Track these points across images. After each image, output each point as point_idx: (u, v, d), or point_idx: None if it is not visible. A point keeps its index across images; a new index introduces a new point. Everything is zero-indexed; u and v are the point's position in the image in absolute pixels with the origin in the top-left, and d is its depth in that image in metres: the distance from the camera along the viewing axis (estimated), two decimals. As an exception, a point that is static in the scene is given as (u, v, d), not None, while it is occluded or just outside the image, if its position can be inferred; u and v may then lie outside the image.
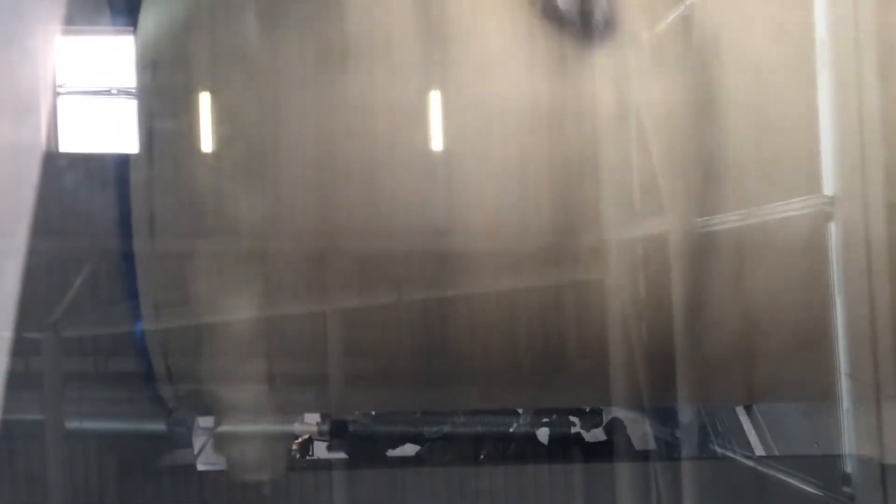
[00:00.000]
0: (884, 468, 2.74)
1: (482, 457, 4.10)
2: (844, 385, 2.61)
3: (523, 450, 4.08)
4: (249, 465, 2.96)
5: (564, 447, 4.05)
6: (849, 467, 2.70)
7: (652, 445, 3.90)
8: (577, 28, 2.62)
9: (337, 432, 4.00)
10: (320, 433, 3.91)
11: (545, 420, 4.08)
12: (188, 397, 2.99)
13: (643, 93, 2.56)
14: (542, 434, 4.11)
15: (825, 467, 2.88)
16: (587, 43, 2.61)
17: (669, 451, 3.82)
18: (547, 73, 2.64)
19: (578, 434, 4.09)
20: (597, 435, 4.08)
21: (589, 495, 3.71)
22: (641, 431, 3.97)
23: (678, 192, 2.64)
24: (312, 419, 3.71)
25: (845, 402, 2.62)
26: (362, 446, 4.00)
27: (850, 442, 2.67)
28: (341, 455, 3.99)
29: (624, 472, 3.63)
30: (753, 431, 3.93)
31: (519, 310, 2.76)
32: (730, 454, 3.94)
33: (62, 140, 2.83)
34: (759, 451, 3.81)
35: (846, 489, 2.74)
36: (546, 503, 3.84)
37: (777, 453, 3.76)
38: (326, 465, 3.93)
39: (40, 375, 2.90)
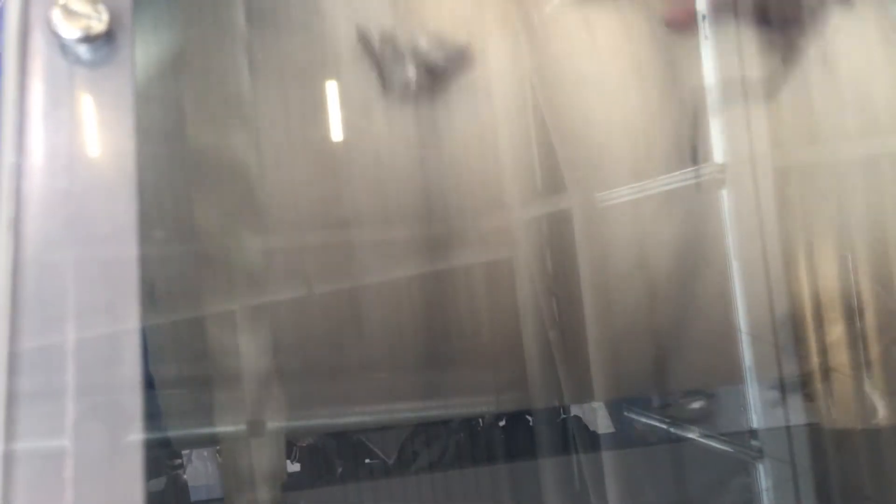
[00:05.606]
0: (788, 429, 2.83)
1: (432, 454, 3.95)
2: (745, 343, 2.69)
3: (476, 444, 3.93)
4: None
5: (517, 439, 3.90)
6: (755, 422, 2.78)
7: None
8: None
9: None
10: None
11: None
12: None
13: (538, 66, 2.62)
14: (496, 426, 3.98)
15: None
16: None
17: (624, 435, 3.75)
18: None
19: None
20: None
21: (539, 487, 3.61)
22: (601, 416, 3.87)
23: (576, 166, 2.68)
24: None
25: (747, 360, 2.70)
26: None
27: (756, 401, 2.76)
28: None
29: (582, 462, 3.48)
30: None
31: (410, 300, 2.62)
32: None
33: None
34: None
35: (754, 442, 2.82)
36: (492, 497, 3.75)
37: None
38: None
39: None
